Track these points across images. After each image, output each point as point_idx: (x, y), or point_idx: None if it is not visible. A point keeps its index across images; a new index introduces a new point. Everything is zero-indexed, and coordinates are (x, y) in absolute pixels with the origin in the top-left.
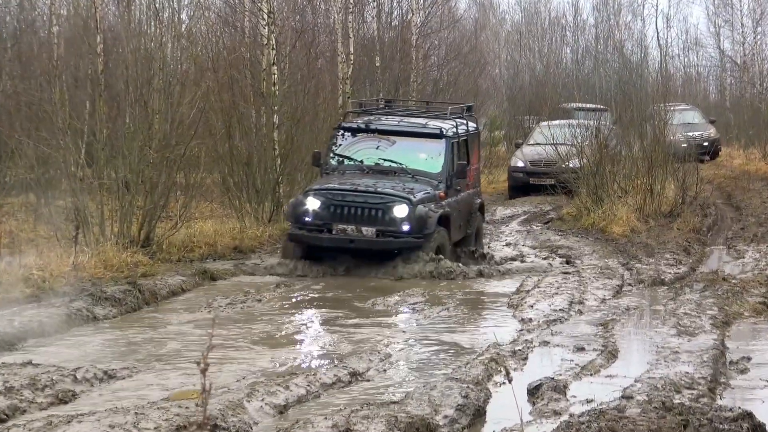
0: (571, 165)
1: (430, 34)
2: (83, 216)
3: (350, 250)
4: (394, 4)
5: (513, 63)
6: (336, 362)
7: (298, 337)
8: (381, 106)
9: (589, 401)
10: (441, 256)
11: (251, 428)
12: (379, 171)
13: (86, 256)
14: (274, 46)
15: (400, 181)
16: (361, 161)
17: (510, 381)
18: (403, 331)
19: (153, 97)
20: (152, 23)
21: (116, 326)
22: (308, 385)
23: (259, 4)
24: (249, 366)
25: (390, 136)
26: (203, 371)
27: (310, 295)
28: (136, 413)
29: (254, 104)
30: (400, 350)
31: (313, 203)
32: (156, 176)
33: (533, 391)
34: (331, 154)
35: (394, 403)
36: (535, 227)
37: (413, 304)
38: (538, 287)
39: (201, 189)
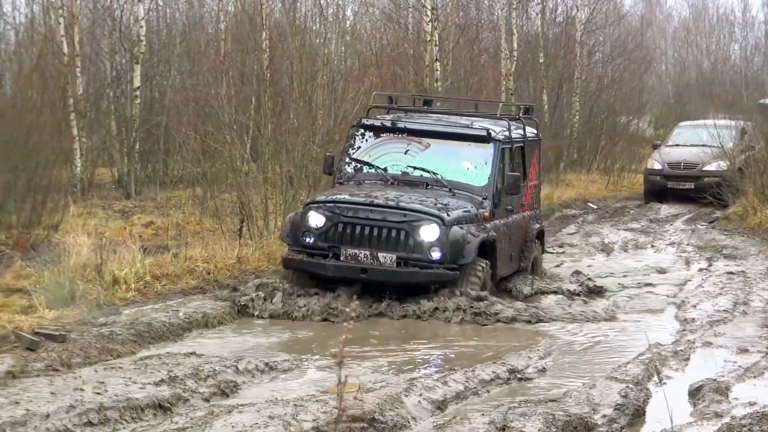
0: (712, 168)
1: (594, 30)
2: (248, 209)
3: (362, 282)
4: (559, 0)
5: (679, 60)
6: (495, 359)
7: (454, 333)
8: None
9: (751, 404)
10: (485, 293)
11: (409, 423)
12: (406, 182)
13: (250, 249)
14: (437, 43)
15: (433, 195)
16: (385, 169)
17: (660, 382)
18: (563, 329)
19: (317, 93)
20: (317, 20)
21: (278, 319)
22: (466, 381)
23: (423, 1)
24: (406, 360)
25: (423, 137)
26: (339, 364)
27: None
28: (295, 405)
29: None
30: (559, 349)
31: (315, 219)
32: (319, 171)
33: (694, 393)
34: (347, 159)
35: (553, 401)
36: (700, 226)
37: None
38: (702, 287)
39: None
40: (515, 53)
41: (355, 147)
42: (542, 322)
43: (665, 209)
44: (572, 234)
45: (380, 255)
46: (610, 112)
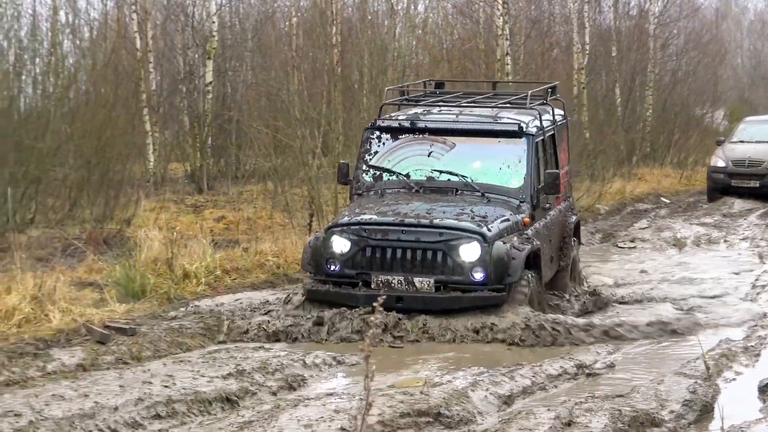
0: None
1: (668, 23)
2: (318, 204)
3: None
4: None
5: (755, 53)
6: (563, 355)
7: None
8: (429, 92)
9: None
10: (536, 313)
11: (475, 417)
12: (433, 189)
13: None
14: (508, 36)
15: (466, 204)
16: (407, 175)
17: (710, 377)
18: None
19: (387, 87)
20: (388, 14)
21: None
22: (533, 376)
23: None
24: (473, 356)
25: (446, 136)
26: (366, 358)
27: None
28: (360, 399)
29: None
30: (628, 343)
31: (340, 245)
32: None
33: (764, 389)
34: (364, 167)
35: (620, 396)
36: None
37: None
38: None
39: None
40: (587, 47)
41: (372, 152)
42: (619, 339)
43: (739, 204)
44: (644, 229)
45: (416, 280)
46: (684, 105)
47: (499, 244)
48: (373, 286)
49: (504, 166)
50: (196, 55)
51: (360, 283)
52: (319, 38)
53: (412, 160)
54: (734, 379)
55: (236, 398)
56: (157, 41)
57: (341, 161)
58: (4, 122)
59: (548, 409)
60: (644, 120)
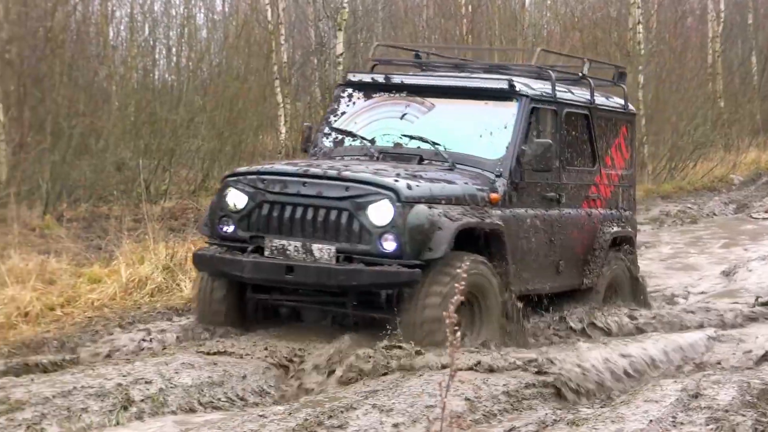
0: None
1: None
2: None
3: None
4: None
5: None
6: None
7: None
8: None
9: None
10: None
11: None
12: (397, 156)
13: None
14: (641, 4)
15: (418, 169)
16: (373, 140)
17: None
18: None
19: (517, 57)
20: None
21: None
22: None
23: None
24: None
25: (427, 95)
26: (451, 328)
27: None
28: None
29: (619, 63)
30: (756, 311)
31: (234, 198)
32: None
33: None
34: (326, 129)
35: (749, 369)
36: None
37: None
38: None
39: None
40: (722, 15)
41: (339, 113)
42: None
43: None
44: None
45: (315, 247)
46: None
47: (420, 206)
48: (266, 253)
49: (486, 132)
50: (327, 27)
51: (251, 249)
52: (450, 8)
53: (382, 123)
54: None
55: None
56: (288, 13)
57: (305, 123)
58: (139, 95)
59: (675, 381)
60: None
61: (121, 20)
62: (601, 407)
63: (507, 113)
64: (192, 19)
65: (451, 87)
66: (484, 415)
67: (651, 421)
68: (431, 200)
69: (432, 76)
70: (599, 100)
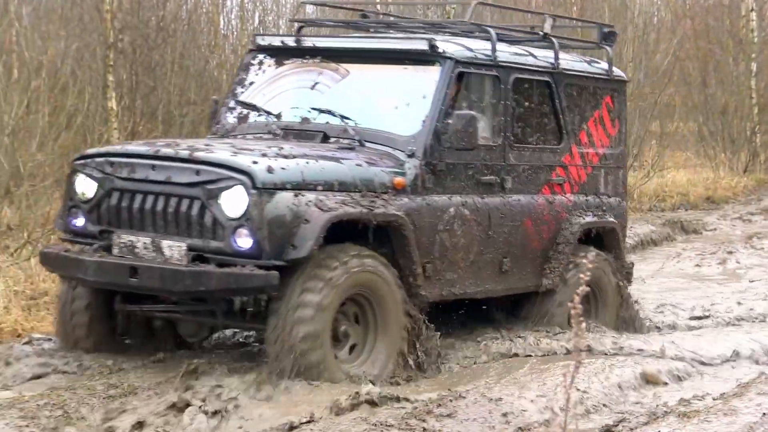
0: None
1: None
2: None
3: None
4: None
5: None
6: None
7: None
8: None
9: None
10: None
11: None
12: (300, 134)
13: None
14: None
15: (301, 148)
16: (279, 115)
17: None
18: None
19: (627, 45)
20: None
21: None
22: None
23: None
24: None
25: (342, 61)
26: (576, 319)
27: None
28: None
29: (731, 52)
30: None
31: (83, 185)
32: (629, 125)
33: None
34: (231, 103)
35: None
36: None
37: None
38: None
39: (675, 138)
40: None
41: (247, 83)
42: None
43: None
44: None
45: (165, 244)
46: None
47: (282, 194)
48: (114, 251)
49: (402, 104)
50: None
51: (97, 245)
52: None
53: (292, 94)
54: None
55: None
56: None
57: (213, 97)
58: None
59: None
60: None
61: (232, 9)
62: (713, 399)
63: (427, 80)
64: (302, 8)
65: (367, 50)
66: None
67: (764, 414)
68: (301, 186)
69: (349, 37)
70: (567, 63)
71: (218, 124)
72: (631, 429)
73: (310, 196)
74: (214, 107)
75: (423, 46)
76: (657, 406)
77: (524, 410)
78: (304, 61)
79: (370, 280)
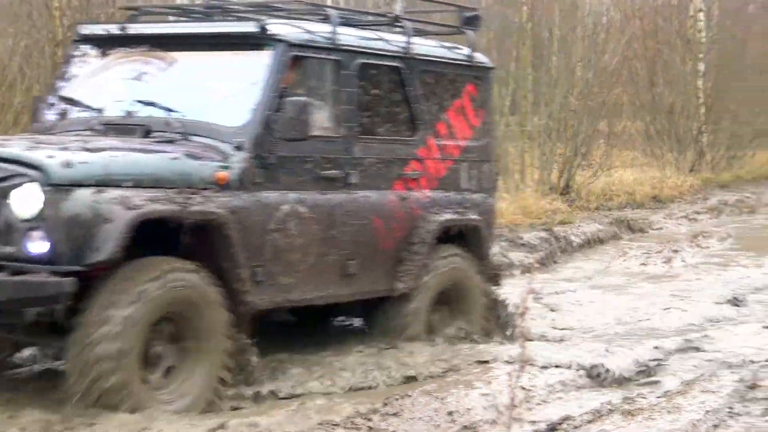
0: None
1: None
2: (504, 163)
3: None
4: None
5: None
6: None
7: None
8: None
9: None
10: None
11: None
12: (122, 129)
13: (505, 203)
14: None
15: (110, 142)
16: (101, 109)
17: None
18: None
19: (576, 45)
20: None
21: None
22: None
23: None
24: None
25: (170, 50)
26: (522, 314)
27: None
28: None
29: (679, 52)
30: None
31: None
32: (577, 124)
33: None
34: (50, 99)
35: None
36: None
37: None
38: None
39: (622, 137)
40: None
41: (70, 77)
42: None
43: None
44: None
45: None
46: None
47: (80, 191)
48: None
49: (231, 92)
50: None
51: None
52: None
53: (116, 86)
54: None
55: None
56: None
57: (35, 95)
58: None
59: (732, 372)
60: None
61: None
62: (658, 397)
63: (258, 65)
64: None
65: (195, 35)
66: None
67: (708, 411)
68: (105, 182)
69: (177, 23)
70: (421, 49)
71: (37, 122)
72: (576, 427)
73: (114, 192)
74: (36, 104)
75: (253, 28)
76: (601, 404)
77: (470, 408)
78: (130, 50)
79: (189, 296)
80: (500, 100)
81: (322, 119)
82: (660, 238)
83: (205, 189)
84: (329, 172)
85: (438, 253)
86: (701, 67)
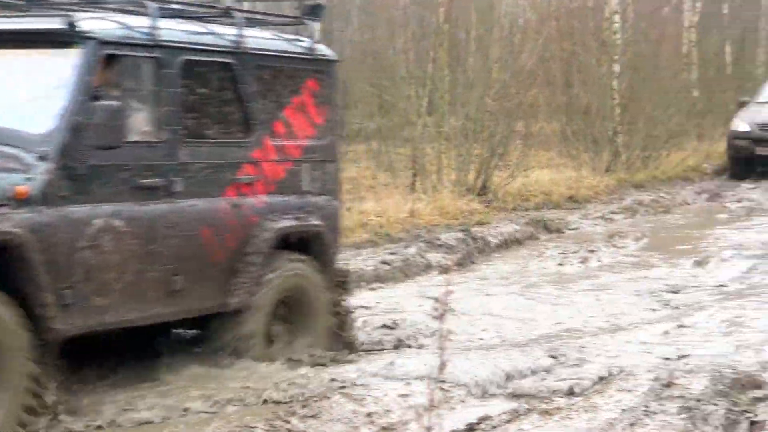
0: None
1: None
2: (421, 164)
3: None
4: None
5: None
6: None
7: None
8: None
9: None
10: None
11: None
12: None
13: (423, 203)
14: None
15: None
16: None
17: None
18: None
19: (493, 46)
20: None
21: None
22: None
23: None
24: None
25: None
26: (441, 316)
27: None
28: None
29: (595, 53)
30: (724, 306)
31: None
32: (494, 125)
33: None
34: None
35: (721, 357)
36: None
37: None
38: None
39: (539, 138)
40: (699, 4)
41: None
42: None
43: None
44: (752, 189)
45: None
46: None
47: None
48: None
49: (35, 96)
50: None
51: None
52: None
53: None
54: None
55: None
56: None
57: None
58: None
59: (647, 370)
60: (755, 78)
61: None
62: (575, 396)
63: (66, 65)
64: None
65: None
66: None
67: (624, 410)
68: None
69: None
70: (255, 42)
71: None
72: (494, 427)
73: None
74: None
75: (59, 24)
76: (519, 403)
77: (388, 410)
78: None
79: None
80: (417, 101)
81: (140, 123)
82: (576, 238)
83: (1, 205)
84: (150, 180)
85: (277, 264)
86: (616, 68)
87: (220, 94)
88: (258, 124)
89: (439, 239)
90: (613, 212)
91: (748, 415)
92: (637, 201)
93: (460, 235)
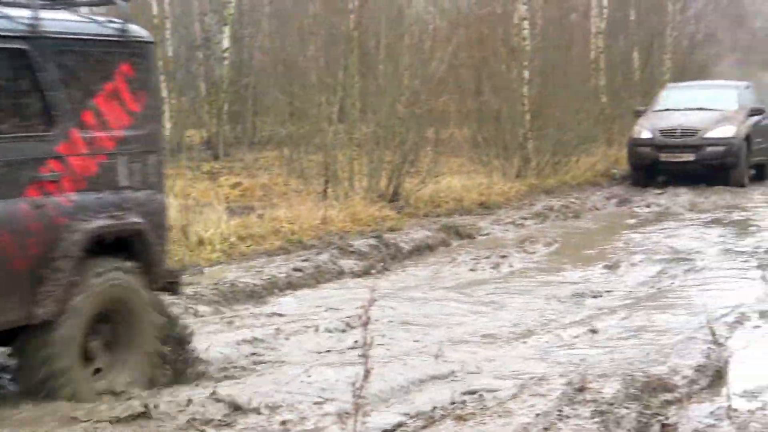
0: (717, 135)
1: None
2: (333, 170)
3: None
4: None
5: None
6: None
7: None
8: None
9: None
10: None
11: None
12: None
13: (335, 210)
14: (526, 1)
15: None
16: None
17: (718, 345)
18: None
19: (403, 54)
20: None
21: (360, 280)
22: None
23: None
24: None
25: None
26: (365, 324)
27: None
28: None
29: (504, 59)
30: (638, 309)
31: None
32: (405, 131)
33: None
34: None
35: (633, 360)
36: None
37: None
38: None
39: (450, 144)
40: (605, 11)
41: None
42: None
43: None
44: (660, 194)
45: None
46: (702, 69)
47: None
48: None
49: None
50: (213, 22)
51: None
52: (336, 4)
53: None
54: (747, 347)
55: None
56: (173, 7)
57: None
58: None
59: (560, 375)
60: (662, 85)
61: None
62: (489, 401)
63: None
64: None
65: None
66: None
67: (538, 414)
68: None
69: None
70: (56, 25)
71: None
72: None
73: None
74: None
75: None
76: (433, 409)
77: (304, 417)
78: None
79: None
80: (328, 108)
81: None
82: (488, 243)
83: None
84: None
85: (91, 268)
86: (526, 74)
87: (14, 84)
88: (62, 115)
89: (351, 246)
90: (524, 218)
91: (659, 418)
92: (548, 206)
93: (373, 241)
